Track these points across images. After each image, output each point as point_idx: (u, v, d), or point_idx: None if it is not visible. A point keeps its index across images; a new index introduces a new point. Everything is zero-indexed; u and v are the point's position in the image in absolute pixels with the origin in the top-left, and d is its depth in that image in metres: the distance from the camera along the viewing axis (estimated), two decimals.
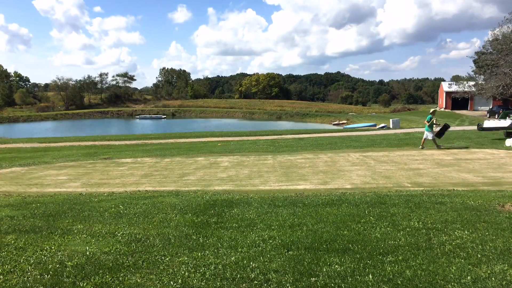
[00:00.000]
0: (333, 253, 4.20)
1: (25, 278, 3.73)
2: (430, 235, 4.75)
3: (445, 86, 60.88)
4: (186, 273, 3.78)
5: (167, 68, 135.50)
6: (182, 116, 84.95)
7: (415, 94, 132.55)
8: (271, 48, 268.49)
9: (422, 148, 15.65)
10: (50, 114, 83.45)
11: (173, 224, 5.56)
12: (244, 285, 3.51)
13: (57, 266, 4.02)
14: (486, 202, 6.48)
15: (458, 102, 56.45)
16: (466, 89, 47.86)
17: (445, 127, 16.65)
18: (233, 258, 4.11)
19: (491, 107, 47.58)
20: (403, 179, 9.42)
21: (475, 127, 23.49)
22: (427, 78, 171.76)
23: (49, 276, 3.77)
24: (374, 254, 4.13)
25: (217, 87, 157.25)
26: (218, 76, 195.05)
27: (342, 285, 3.45)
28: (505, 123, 16.60)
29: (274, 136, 25.92)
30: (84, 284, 3.60)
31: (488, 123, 17.80)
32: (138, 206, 6.79)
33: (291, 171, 11.05)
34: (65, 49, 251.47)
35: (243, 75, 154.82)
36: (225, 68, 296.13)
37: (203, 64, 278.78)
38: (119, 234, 5.10)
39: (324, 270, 3.76)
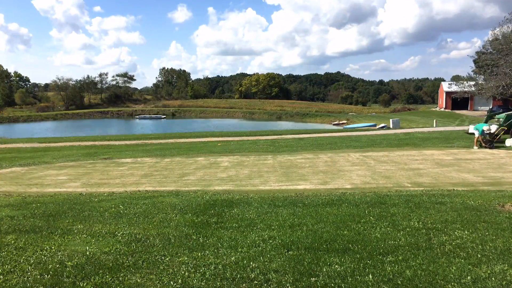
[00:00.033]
0: (333, 253, 4.20)
1: (25, 278, 3.73)
2: (430, 235, 4.75)
3: (445, 86, 60.88)
4: (186, 273, 3.78)
5: (167, 68, 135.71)
6: (182, 116, 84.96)
7: (415, 94, 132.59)
8: (271, 48, 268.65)
9: (482, 147, 15.54)
10: (50, 114, 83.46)
11: (173, 224, 5.56)
12: (244, 285, 3.52)
13: (57, 266, 4.02)
14: (486, 202, 6.48)
15: (458, 102, 56.46)
16: (466, 89, 47.87)
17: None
18: (233, 258, 4.11)
19: (491, 107, 47.57)
20: (403, 179, 9.42)
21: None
22: (427, 78, 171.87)
23: (49, 276, 3.77)
24: (374, 254, 4.13)
25: (217, 87, 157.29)
26: (218, 76, 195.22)
27: (342, 285, 3.45)
28: (490, 128, 16.64)
29: (274, 136, 25.92)
30: (84, 284, 3.60)
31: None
32: (138, 206, 6.79)
33: (291, 171, 11.05)
34: (65, 49, 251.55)
35: (243, 75, 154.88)
36: (225, 68, 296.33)
37: (203, 64, 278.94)
38: (119, 234, 5.10)
39: (324, 270, 3.76)
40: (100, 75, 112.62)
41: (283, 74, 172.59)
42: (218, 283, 3.55)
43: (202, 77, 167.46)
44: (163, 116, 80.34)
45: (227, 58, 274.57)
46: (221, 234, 4.99)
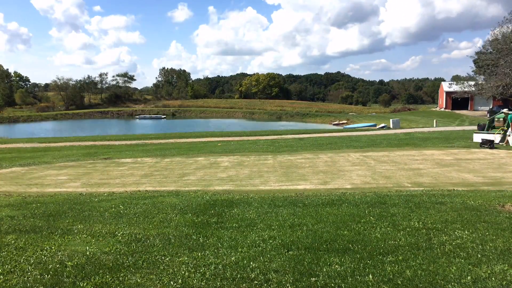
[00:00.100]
0: (333, 253, 4.20)
1: (25, 278, 3.73)
2: (430, 235, 4.75)
3: (445, 86, 60.85)
4: (186, 273, 3.78)
5: (167, 68, 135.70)
6: (182, 116, 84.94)
7: (415, 94, 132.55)
8: (271, 47, 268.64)
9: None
10: (50, 114, 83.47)
11: (173, 224, 5.56)
12: (244, 285, 3.52)
13: (57, 266, 4.02)
14: (486, 202, 6.48)
15: (458, 102, 56.44)
16: (466, 89, 47.87)
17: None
18: (233, 258, 4.11)
19: (491, 107, 47.57)
20: (403, 179, 9.42)
21: (475, 127, 23.51)
22: (427, 78, 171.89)
23: (49, 276, 3.77)
24: (374, 254, 4.13)
25: (217, 87, 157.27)
26: (218, 76, 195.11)
27: (342, 285, 3.45)
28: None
29: (274, 136, 25.92)
30: (84, 284, 3.60)
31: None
32: (138, 206, 6.79)
33: (291, 171, 11.05)
34: (65, 49, 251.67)
35: (243, 75, 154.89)
36: (225, 68, 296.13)
37: (203, 64, 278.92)
38: (119, 234, 5.10)
39: (324, 270, 3.76)
40: (100, 75, 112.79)
41: (283, 74, 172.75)
42: (218, 283, 3.55)
43: (202, 77, 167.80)
44: (163, 116, 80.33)
45: (227, 58, 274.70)
46: (221, 234, 4.99)
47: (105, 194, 8.34)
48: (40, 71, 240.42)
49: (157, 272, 3.83)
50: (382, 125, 39.75)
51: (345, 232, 4.91)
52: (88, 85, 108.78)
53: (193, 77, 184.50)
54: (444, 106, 60.51)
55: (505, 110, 18.60)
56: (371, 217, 5.58)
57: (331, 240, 4.60)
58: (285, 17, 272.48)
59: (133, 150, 19.08)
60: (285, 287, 3.46)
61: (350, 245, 4.41)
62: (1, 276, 3.78)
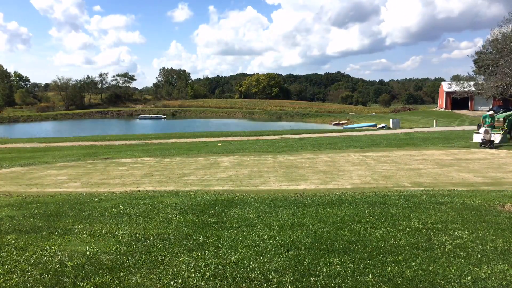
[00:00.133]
0: (333, 253, 4.20)
1: (25, 278, 3.73)
2: (430, 235, 4.75)
3: (445, 86, 60.85)
4: (186, 273, 3.78)
5: (167, 68, 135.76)
6: (182, 116, 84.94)
7: (415, 94, 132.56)
8: (271, 47, 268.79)
9: None
10: (50, 114, 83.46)
11: (173, 224, 5.56)
12: (244, 285, 3.52)
13: (57, 266, 4.02)
14: (486, 202, 6.48)
15: (458, 102, 56.44)
16: (466, 89, 47.87)
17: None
18: (233, 258, 4.11)
19: (491, 107, 47.56)
20: (403, 179, 9.42)
21: (475, 127, 23.51)
22: (427, 78, 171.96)
23: (49, 276, 3.77)
24: (374, 254, 4.13)
25: (217, 87, 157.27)
26: (218, 76, 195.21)
27: (342, 285, 3.45)
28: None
29: (274, 136, 25.92)
30: (84, 284, 3.60)
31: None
32: (138, 206, 6.79)
33: (291, 171, 11.05)
34: (65, 49, 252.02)
35: (243, 75, 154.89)
36: (225, 68, 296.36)
37: (203, 64, 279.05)
38: (119, 234, 5.10)
39: (324, 270, 3.76)
40: (100, 75, 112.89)
41: (283, 74, 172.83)
42: (218, 283, 3.55)
43: (202, 77, 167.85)
44: (163, 116, 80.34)
45: (227, 58, 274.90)
46: (221, 234, 4.99)
47: (105, 194, 8.34)
48: (40, 71, 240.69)
49: (157, 272, 3.83)
50: (382, 125, 39.76)
51: (345, 232, 4.91)
52: (88, 85, 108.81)
53: (193, 77, 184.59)
54: (444, 106, 60.51)
55: (490, 112, 18.60)
56: (371, 217, 5.58)
57: (331, 240, 4.60)
58: (285, 17, 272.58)
59: (133, 150, 19.08)
60: (285, 287, 3.46)
61: (350, 245, 4.41)
62: (1, 276, 3.78)
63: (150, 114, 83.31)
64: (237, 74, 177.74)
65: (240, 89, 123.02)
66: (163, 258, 4.20)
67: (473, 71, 48.16)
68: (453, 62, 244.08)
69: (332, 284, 3.46)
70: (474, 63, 47.18)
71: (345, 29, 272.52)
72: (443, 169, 10.62)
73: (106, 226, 5.55)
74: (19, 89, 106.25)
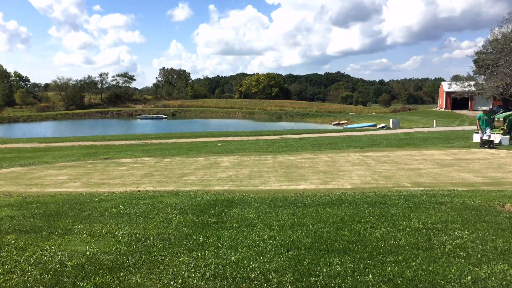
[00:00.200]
0: (333, 253, 4.20)
1: (25, 278, 3.73)
2: (430, 235, 4.75)
3: (445, 86, 60.86)
4: (186, 273, 3.78)
5: (167, 68, 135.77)
6: (182, 116, 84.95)
7: (415, 94, 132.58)
8: (271, 47, 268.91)
9: None
10: (50, 114, 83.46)
11: (173, 224, 5.56)
12: (244, 285, 3.51)
13: (57, 266, 4.02)
14: (486, 202, 6.48)
15: (458, 102, 56.45)
16: (466, 89, 47.88)
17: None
18: (233, 258, 4.11)
19: (491, 107, 47.57)
20: (403, 179, 9.42)
21: (475, 127, 23.52)
22: (427, 78, 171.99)
23: (49, 276, 3.77)
24: (374, 254, 4.13)
25: (217, 87, 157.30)
26: (218, 76, 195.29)
27: (342, 285, 3.45)
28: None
29: (274, 136, 25.92)
30: (84, 284, 3.60)
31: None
32: (138, 206, 6.79)
33: (291, 171, 11.05)
34: (64, 48, 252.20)
35: (243, 75, 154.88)
36: (225, 68, 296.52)
37: (203, 64, 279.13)
38: (119, 234, 5.10)
39: (324, 270, 3.76)
40: (100, 75, 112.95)
41: (283, 74, 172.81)
42: (218, 283, 3.55)
43: (202, 77, 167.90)
44: (164, 116, 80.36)
45: (228, 58, 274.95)
46: (221, 234, 4.99)
47: (105, 194, 8.34)
48: (40, 71, 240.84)
49: (157, 272, 3.83)
50: (382, 125, 39.75)
51: (345, 232, 4.91)
52: (88, 85, 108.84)
53: (193, 77, 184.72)
54: (444, 106, 60.51)
55: (483, 108, 18.62)
56: (371, 217, 5.58)
57: (331, 240, 4.60)
58: (285, 16, 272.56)
59: (133, 150, 19.09)
60: (285, 287, 3.46)
61: (350, 245, 4.41)
62: (1, 276, 3.78)
63: (150, 114, 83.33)
64: (237, 74, 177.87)
65: (240, 89, 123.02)
66: (163, 258, 4.20)
67: (473, 71, 48.23)
68: (454, 62, 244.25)
69: (332, 284, 3.46)
70: (474, 63, 47.21)
71: (346, 28, 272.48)
72: (443, 169, 10.62)
73: (106, 226, 5.55)
74: (19, 89, 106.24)
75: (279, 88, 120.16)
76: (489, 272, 3.64)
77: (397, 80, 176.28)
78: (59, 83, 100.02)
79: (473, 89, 45.89)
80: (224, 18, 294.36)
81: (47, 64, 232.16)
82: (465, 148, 15.65)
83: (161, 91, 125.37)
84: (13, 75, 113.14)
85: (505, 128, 17.54)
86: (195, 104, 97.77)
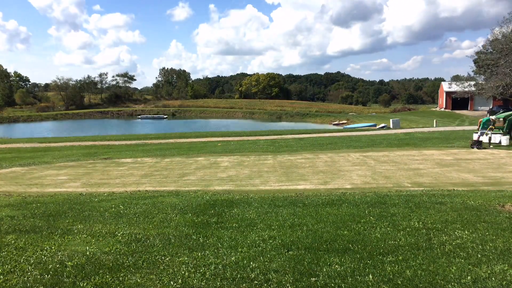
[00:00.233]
0: (333, 253, 4.20)
1: (25, 278, 3.73)
2: (430, 235, 4.75)
3: (445, 86, 60.85)
4: (186, 273, 3.78)
5: (167, 68, 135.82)
6: (182, 116, 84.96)
7: (415, 94, 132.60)
8: (271, 46, 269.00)
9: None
10: (50, 114, 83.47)
11: (173, 224, 5.56)
12: (244, 285, 3.51)
13: (57, 266, 4.02)
14: (486, 202, 6.48)
15: (458, 102, 56.43)
16: (466, 89, 47.88)
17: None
18: (233, 258, 4.11)
19: (491, 107, 47.57)
20: (403, 179, 9.42)
21: (475, 127, 23.51)
22: (427, 78, 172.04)
23: (49, 276, 3.77)
24: (374, 254, 4.13)
25: (217, 87, 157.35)
26: (218, 76, 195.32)
27: (342, 285, 3.45)
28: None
29: (274, 136, 25.92)
30: (84, 284, 3.60)
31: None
32: (138, 206, 6.79)
33: (291, 171, 11.05)
34: (64, 48, 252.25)
35: (243, 75, 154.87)
36: (225, 68, 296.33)
37: (203, 64, 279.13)
38: (119, 234, 5.10)
39: (324, 270, 3.76)
40: (100, 75, 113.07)
41: (283, 74, 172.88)
42: (218, 283, 3.55)
43: (202, 77, 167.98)
44: (165, 116, 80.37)
45: (228, 58, 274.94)
46: (221, 234, 4.99)
47: (105, 194, 8.34)
48: (39, 71, 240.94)
49: (157, 272, 3.83)
50: (382, 125, 39.75)
51: (345, 232, 4.90)
52: (88, 85, 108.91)
53: (193, 77, 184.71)
54: (444, 106, 60.50)
55: (492, 117, 18.62)
56: (371, 217, 5.58)
57: (331, 240, 4.60)
58: (285, 16, 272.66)
59: (133, 150, 19.08)
60: (285, 287, 3.46)
61: (350, 245, 4.41)
62: (1, 276, 3.78)
63: (150, 114, 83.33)
64: (237, 74, 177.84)
65: (240, 89, 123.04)
66: (163, 258, 4.20)
67: (473, 71, 48.24)
68: (455, 62, 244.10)
69: (332, 284, 3.46)
70: (474, 63, 47.23)
71: (347, 28, 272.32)
72: (443, 169, 10.61)
73: (106, 226, 5.55)
74: (19, 89, 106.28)
75: (279, 88, 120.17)
76: (489, 272, 3.64)
77: (397, 80, 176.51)
78: (59, 83, 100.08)
79: (473, 89, 45.90)
80: (224, 18, 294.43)
81: (47, 64, 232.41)
82: (465, 148, 15.65)
83: (161, 91, 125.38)
84: (13, 75, 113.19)
85: (493, 127, 17.43)
86: (195, 104, 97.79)
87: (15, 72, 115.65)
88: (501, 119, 18.98)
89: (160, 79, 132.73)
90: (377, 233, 4.83)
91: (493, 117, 18.34)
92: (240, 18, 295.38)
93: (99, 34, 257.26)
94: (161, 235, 5.00)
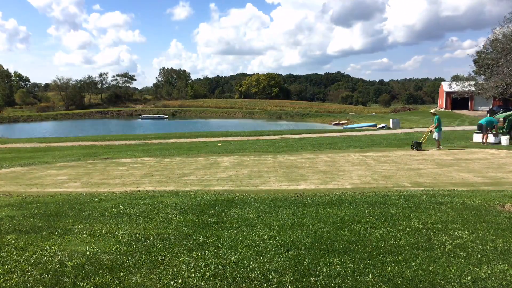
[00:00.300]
0: (333, 253, 4.20)
1: (25, 278, 3.73)
2: (430, 235, 4.75)
3: (445, 86, 60.85)
4: (186, 273, 3.78)
5: (167, 68, 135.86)
6: (182, 116, 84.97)
7: (415, 94, 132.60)
8: (272, 46, 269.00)
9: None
10: (50, 114, 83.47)
11: (173, 224, 5.56)
12: (244, 285, 3.51)
13: (57, 266, 4.02)
14: (486, 202, 6.47)
15: (458, 102, 56.43)
16: (466, 89, 47.87)
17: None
18: (233, 258, 4.11)
19: (491, 107, 47.56)
20: (403, 179, 9.42)
21: (475, 127, 23.51)
22: (427, 78, 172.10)
23: (49, 276, 3.77)
24: (374, 254, 4.13)
25: (217, 87, 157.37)
26: (218, 76, 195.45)
27: (342, 285, 3.45)
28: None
29: (274, 136, 25.92)
30: (84, 284, 3.60)
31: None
32: (138, 206, 6.79)
33: (291, 171, 11.05)
34: (64, 48, 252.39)
35: (243, 75, 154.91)
36: (225, 67, 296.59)
37: (203, 64, 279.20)
38: (119, 234, 5.10)
39: (324, 270, 3.76)
40: (100, 75, 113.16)
41: (283, 74, 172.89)
42: (218, 283, 3.55)
43: (202, 77, 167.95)
44: (165, 116, 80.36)
45: (228, 58, 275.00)
46: (221, 234, 4.99)
47: (105, 194, 8.34)
48: (39, 70, 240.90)
49: (157, 272, 3.83)
50: (382, 125, 39.74)
51: (345, 232, 4.90)
52: (88, 85, 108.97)
53: (193, 77, 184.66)
54: (444, 106, 60.50)
55: (500, 120, 18.66)
56: (371, 217, 5.58)
57: (331, 240, 4.60)
58: (286, 15, 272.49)
59: (133, 150, 19.09)
60: (285, 287, 3.46)
61: (350, 245, 4.41)
62: (1, 276, 3.78)
63: (150, 114, 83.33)
64: (237, 74, 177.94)
65: (240, 89, 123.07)
66: (163, 258, 4.20)
67: (473, 71, 48.21)
68: (455, 62, 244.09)
69: (332, 284, 3.46)
70: (474, 63, 47.20)
71: (348, 27, 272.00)
72: (443, 169, 10.61)
73: (106, 226, 5.55)
74: (19, 89, 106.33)
75: (279, 88, 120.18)
76: (489, 272, 3.64)
77: (397, 80, 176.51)
78: (59, 83, 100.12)
79: (473, 89, 45.88)
80: (224, 17, 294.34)
81: (47, 64, 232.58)
82: (465, 148, 15.64)
83: (161, 91, 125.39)
84: (13, 75, 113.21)
85: (493, 131, 17.44)
86: (195, 104, 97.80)
87: (15, 72, 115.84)
88: (501, 119, 18.99)
89: (160, 79, 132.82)
90: (377, 233, 4.83)
91: (500, 117, 18.42)
92: (240, 17, 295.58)
93: (98, 34, 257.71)
94: (161, 235, 5.01)
